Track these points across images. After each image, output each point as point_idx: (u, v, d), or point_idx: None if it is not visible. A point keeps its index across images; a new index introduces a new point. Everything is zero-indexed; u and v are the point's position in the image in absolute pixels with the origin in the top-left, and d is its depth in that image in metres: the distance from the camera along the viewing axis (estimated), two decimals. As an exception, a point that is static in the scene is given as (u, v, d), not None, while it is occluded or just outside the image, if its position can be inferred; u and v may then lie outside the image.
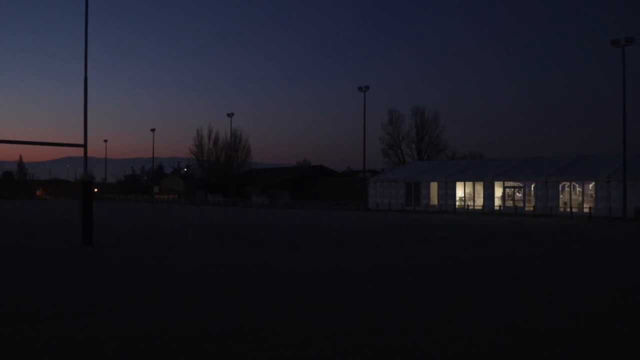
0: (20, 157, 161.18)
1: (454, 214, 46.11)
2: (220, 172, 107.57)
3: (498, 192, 48.32)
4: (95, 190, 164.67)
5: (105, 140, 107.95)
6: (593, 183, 42.95)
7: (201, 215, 41.82)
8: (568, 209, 42.85)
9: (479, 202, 48.88)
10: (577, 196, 44.13)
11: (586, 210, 41.73)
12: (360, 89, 56.07)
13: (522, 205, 46.46)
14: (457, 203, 49.85)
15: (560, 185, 44.72)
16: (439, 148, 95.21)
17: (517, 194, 47.69)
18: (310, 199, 79.54)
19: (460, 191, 50.64)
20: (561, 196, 44.67)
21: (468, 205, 48.48)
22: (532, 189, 45.99)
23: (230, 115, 74.31)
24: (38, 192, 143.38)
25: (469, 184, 50.35)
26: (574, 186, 44.29)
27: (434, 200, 51.72)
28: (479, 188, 49.45)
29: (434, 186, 52.15)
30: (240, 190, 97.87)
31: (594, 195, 42.80)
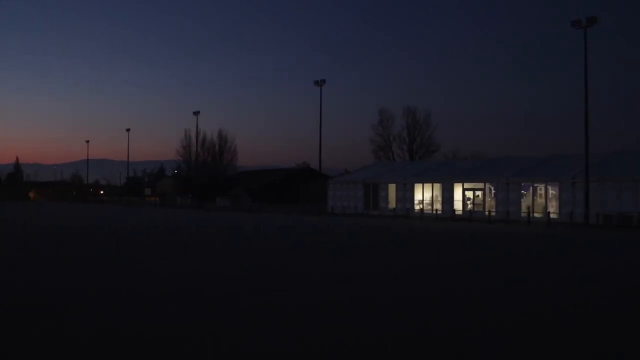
0: (17, 158, 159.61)
1: (407, 219, 41.43)
2: (208, 174, 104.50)
3: (460, 194, 43.55)
4: (101, 192, 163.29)
5: (87, 141, 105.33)
6: (557, 185, 37.99)
7: (129, 217, 37.87)
8: (531, 214, 37.86)
9: (439, 205, 44.12)
10: (541, 199, 39.18)
11: (553, 215, 36.78)
12: (316, 82, 51.78)
13: (483, 209, 41.59)
14: (417, 207, 45.11)
15: (530, 188, 39.73)
16: (431, 149, 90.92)
17: (478, 196, 42.84)
18: (294, 202, 75.48)
19: (419, 194, 45.91)
20: (523, 199, 39.72)
21: (422, 210, 43.66)
22: (492, 191, 41.17)
23: (196, 113, 70.42)
24: (31, 194, 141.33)
25: (427, 186, 45.60)
26: (538, 188, 39.39)
27: (393, 203, 47.07)
28: (438, 190, 44.71)
29: (392, 188, 47.52)
30: (227, 192, 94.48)
31: (557, 198, 37.84)
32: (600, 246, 21.41)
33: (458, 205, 42.87)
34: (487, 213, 39.77)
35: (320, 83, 51.37)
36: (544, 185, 38.92)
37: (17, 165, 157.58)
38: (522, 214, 38.64)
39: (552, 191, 38.61)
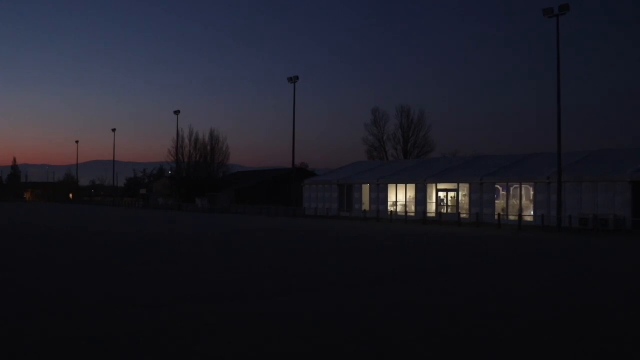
0: (14, 159, 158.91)
1: (377, 221, 39.15)
2: (199, 174, 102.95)
3: (434, 195, 41.25)
4: (102, 194, 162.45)
5: (77, 142, 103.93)
6: (532, 185, 35.57)
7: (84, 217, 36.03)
8: (506, 216, 35.45)
9: (413, 207, 41.80)
10: (516, 201, 36.75)
11: (528, 218, 34.38)
12: (290, 79, 49.70)
13: (457, 211, 39.19)
14: (390, 208, 42.76)
15: (505, 188, 37.31)
16: (425, 149, 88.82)
17: (453, 198, 40.49)
18: (283, 203, 73.54)
19: (393, 195, 43.62)
20: (497, 201, 37.32)
21: (392, 212, 41.27)
22: (466, 192, 38.81)
23: (177, 112, 68.57)
24: (26, 195, 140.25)
25: (401, 187, 43.28)
26: (512, 189, 36.97)
27: (367, 204, 44.79)
28: (412, 192, 42.40)
29: (366, 189, 45.32)
30: (218, 193, 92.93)
31: (532, 199, 35.43)
32: (557, 255, 19.10)
33: (432, 207, 40.56)
34: (464, 216, 37.29)
35: (293, 80, 49.28)
36: (518, 185, 36.52)
37: (14, 167, 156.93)
38: (497, 217, 36.23)
39: (532, 192, 36.25)
